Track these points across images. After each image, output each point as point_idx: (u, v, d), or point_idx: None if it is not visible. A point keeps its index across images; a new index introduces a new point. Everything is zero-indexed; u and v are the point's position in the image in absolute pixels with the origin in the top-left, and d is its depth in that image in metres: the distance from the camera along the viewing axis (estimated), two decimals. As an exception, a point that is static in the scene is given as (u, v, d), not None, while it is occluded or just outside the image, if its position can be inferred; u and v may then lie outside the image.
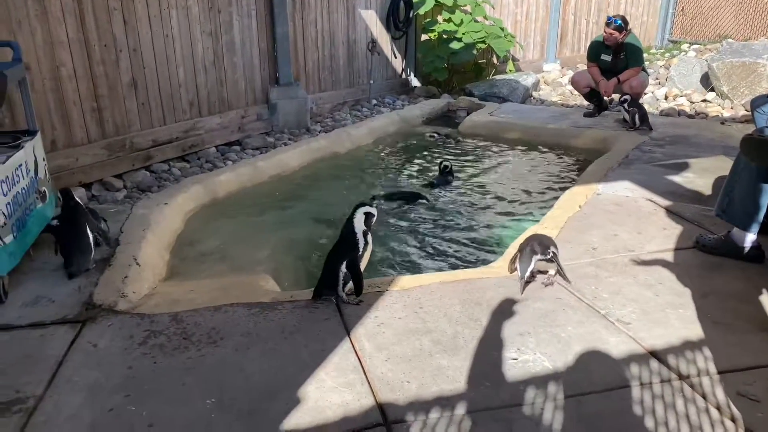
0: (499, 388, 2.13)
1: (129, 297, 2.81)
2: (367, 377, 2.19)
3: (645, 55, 7.41)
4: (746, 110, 7.37)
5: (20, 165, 3.03)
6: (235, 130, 5.89)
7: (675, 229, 3.51)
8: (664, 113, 7.40)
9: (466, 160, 5.76)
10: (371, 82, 7.95)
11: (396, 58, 8.52)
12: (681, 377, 2.19)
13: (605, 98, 6.94)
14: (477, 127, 6.84)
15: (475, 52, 8.58)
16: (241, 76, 5.93)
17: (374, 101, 7.96)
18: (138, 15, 4.75)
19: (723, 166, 4.67)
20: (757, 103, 3.77)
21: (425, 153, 6.04)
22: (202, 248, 3.65)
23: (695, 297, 2.74)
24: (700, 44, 11.03)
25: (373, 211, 2.77)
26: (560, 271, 2.85)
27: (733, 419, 1.98)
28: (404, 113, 7.34)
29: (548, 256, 2.80)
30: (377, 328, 2.51)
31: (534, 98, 8.69)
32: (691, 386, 2.14)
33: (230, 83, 5.81)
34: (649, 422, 1.96)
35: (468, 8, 8.77)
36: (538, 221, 3.80)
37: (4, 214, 2.76)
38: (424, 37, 8.77)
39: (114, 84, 4.65)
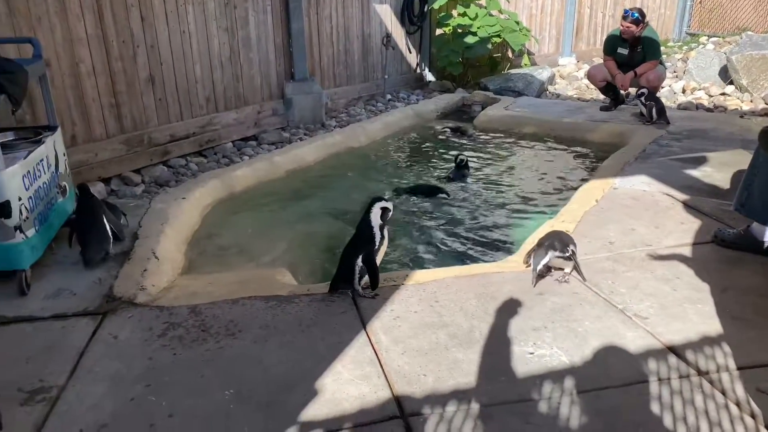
0: (516, 382, 2.14)
1: (148, 290, 2.85)
2: (383, 370, 2.20)
3: (662, 48, 7.32)
4: (766, 103, 7.28)
5: (42, 160, 3.07)
6: (251, 125, 5.92)
7: (693, 224, 3.48)
8: (682, 107, 7.32)
9: (481, 155, 5.74)
10: (386, 76, 7.94)
11: (410, 52, 8.50)
12: (700, 373, 2.18)
13: (622, 92, 6.87)
14: (492, 122, 6.81)
15: (489, 46, 8.54)
16: (257, 71, 5.96)
17: (389, 96, 7.96)
18: (155, 11, 4.79)
19: (742, 160, 4.61)
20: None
21: (440, 148, 6.03)
22: (220, 242, 3.69)
23: (714, 292, 2.72)
24: (719, 37, 10.88)
25: (389, 205, 2.78)
26: (577, 269, 2.84)
27: (752, 415, 1.96)
28: (419, 108, 7.34)
29: (567, 254, 2.79)
30: (393, 322, 2.52)
31: (549, 92, 8.63)
32: (710, 382, 2.13)
33: (246, 79, 5.84)
34: (667, 418, 1.95)
35: (483, 2, 8.73)
36: (554, 216, 3.78)
37: (26, 208, 2.80)
38: (438, 31, 8.74)
39: (132, 80, 4.70)
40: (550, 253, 2.77)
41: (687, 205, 3.76)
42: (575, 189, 4.35)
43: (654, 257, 3.07)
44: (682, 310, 2.58)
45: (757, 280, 2.84)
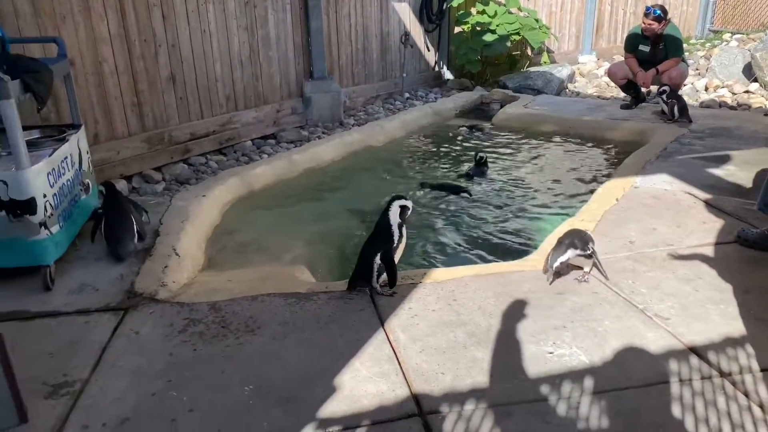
0: (535, 381, 2.13)
1: (169, 286, 2.88)
2: (401, 368, 2.21)
3: (685, 45, 7.23)
4: (791, 102, 7.15)
5: (66, 157, 3.12)
6: (270, 123, 5.96)
7: (715, 223, 3.43)
8: (705, 105, 7.22)
9: (500, 153, 5.71)
10: (404, 75, 7.94)
11: (429, 50, 8.48)
12: (722, 374, 2.15)
13: (643, 90, 6.79)
14: (511, 120, 6.78)
15: (508, 44, 8.49)
16: (276, 70, 5.99)
17: (407, 94, 7.95)
18: (176, 11, 4.84)
19: (766, 158, 4.56)
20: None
21: (458, 146, 6.02)
22: (239, 239, 3.72)
23: (737, 292, 2.68)
24: (743, 34, 10.71)
25: (408, 204, 2.78)
26: (598, 267, 2.81)
27: (776, 417, 1.94)
28: (437, 106, 7.32)
29: (587, 252, 2.77)
30: (411, 320, 2.53)
31: (569, 90, 8.56)
32: (733, 384, 2.10)
33: (265, 77, 5.87)
34: (689, 419, 1.93)
35: (502, 0, 8.68)
36: (573, 214, 3.76)
37: (51, 204, 2.85)
38: (457, 29, 8.71)
39: (153, 79, 4.75)
40: (570, 251, 2.76)
41: (709, 205, 3.71)
42: (595, 188, 4.31)
43: (675, 257, 3.04)
44: (704, 310, 2.55)
45: (781, 280, 2.79)
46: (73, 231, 3.16)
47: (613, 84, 7.50)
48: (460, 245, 3.70)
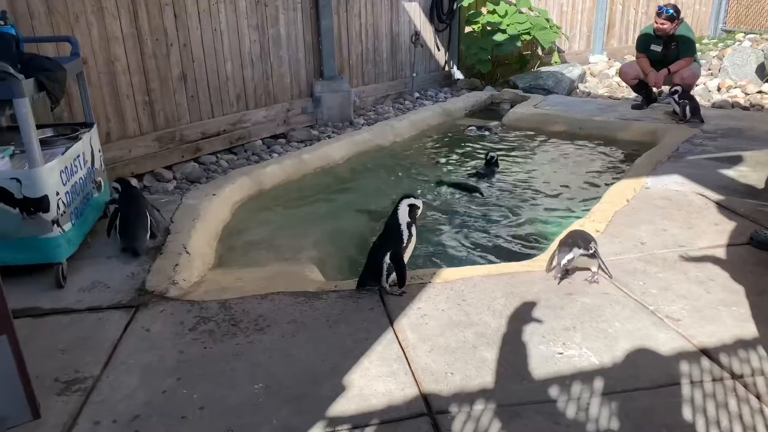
0: (544, 382, 2.12)
1: (179, 284, 2.90)
2: (410, 367, 2.21)
3: (697, 45, 7.17)
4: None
5: (78, 156, 3.15)
6: (280, 123, 5.98)
7: (728, 225, 3.40)
8: (717, 105, 7.16)
9: (510, 153, 5.70)
10: (414, 74, 7.93)
11: (439, 50, 8.48)
12: (734, 376, 2.14)
13: (654, 90, 6.74)
14: (521, 120, 6.75)
15: (519, 43, 8.46)
16: (287, 69, 6.01)
17: (417, 94, 7.95)
18: (188, 10, 4.87)
19: (780, 160, 4.52)
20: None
21: (468, 145, 6.01)
22: (249, 238, 3.73)
23: (749, 294, 2.66)
24: (756, 34, 10.62)
25: (418, 203, 2.78)
26: (602, 266, 2.81)
27: (788, 420, 1.92)
28: (447, 106, 7.31)
29: (590, 251, 2.76)
30: (420, 319, 2.53)
31: (580, 90, 8.52)
32: (745, 386, 2.08)
33: (276, 77, 5.89)
34: (700, 421, 1.92)
35: (513, 0, 8.67)
36: (584, 215, 3.74)
37: (63, 202, 2.88)
38: (467, 29, 8.69)
39: (165, 78, 4.78)
40: (575, 250, 2.75)
41: (721, 206, 3.68)
42: (606, 188, 4.29)
43: (687, 258, 3.02)
44: (715, 312, 2.54)
45: (794, 283, 2.77)
46: (85, 229, 3.19)
47: (624, 84, 7.45)
48: (469, 245, 3.69)
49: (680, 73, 6.26)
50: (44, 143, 2.96)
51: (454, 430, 1.90)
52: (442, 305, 2.63)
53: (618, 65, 8.88)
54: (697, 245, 3.17)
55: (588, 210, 3.86)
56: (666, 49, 6.38)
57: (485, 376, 2.15)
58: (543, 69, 8.79)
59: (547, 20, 8.68)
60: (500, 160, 5.19)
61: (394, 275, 2.70)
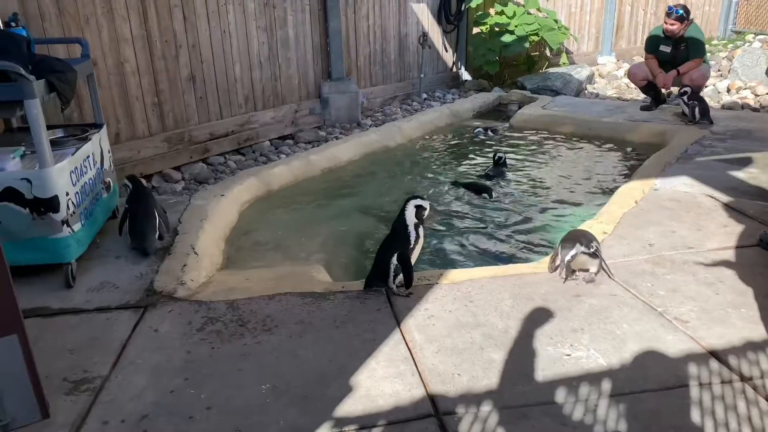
0: (552, 383, 2.12)
1: (187, 285, 2.91)
2: (417, 368, 2.21)
3: (706, 46, 7.13)
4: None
5: (88, 156, 3.17)
6: (288, 124, 6.00)
7: (737, 227, 3.38)
8: (726, 106, 7.12)
9: (518, 154, 5.68)
10: (422, 75, 7.93)
11: (447, 51, 8.47)
12: (743, 378, 2.12)
13: (663, 91, 6.71)
14: (529, 121, 6.74)
15: (527, 45, 8.44)
16: (295, 71, 6.03)
17: (424, 95, 7.95)
18: (197, 12, 4.89)
19: (790, 161, 4.48)
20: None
21: (476, 146, 6.00)
22: (257, 238, 3.75)
23: (758, 296, 2.64)
24: (767, 35, 10.54)
25: (425, 204, 2.78)
26: (603, 266, 2.79)
27: (798, 423, 1.91)
28: (455, 107, 7.31)
29: (592, 250, 2.75)
30: (427, 320, 2.53)
31: (588, 91, 8.50)
32: (754, 388, 2.07)
33: (284, 78, 5.91)
34: (708, 423, 1.91)
35: (521, 0, 8.64)
36: (592, 216, 3.73)
37: (73, 203, 2.90)
38: (475, 30, 8.68)
39: (174, 79, 4.81)
40: (577, 247, 2.74)
41: (731, 208, 3.66)
42: (614, 190, 4.28)
43: (695, 260, 3.00)
44: (724, 314, 2.52)
45: (804, 285, 2.75)
46: (95, 229, 3.21)
47: (633, 85, 7.43)
48: (476, 246, 3.69)
49: (689, 74, 6.23)
50: (54, 144, 2.99)
51: (461, 431, 1.90)
52: (449, 306, 2.63)
53: (627, 66, 8.85)
54: (705, 247, 3.15)
55: (596, 211, 3.85)
56: (675, 50, 6.35)
57: (492, 377, 2.15)
58: (551, 70, 8.76)
59: (556, 21, 8.66)
60: (508, 161, 5.18)
61: (401, 276, 2.70)
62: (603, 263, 2.80)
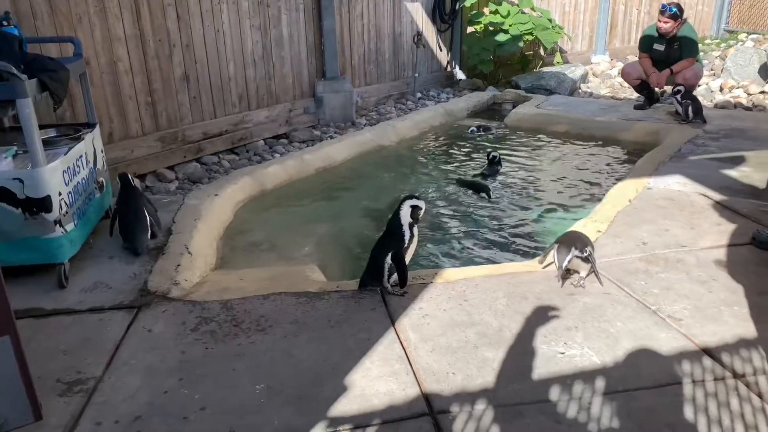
0: (546, 381, 2.12)
1: (181, 285, 2.90)
2: (412, 367, 2.21)
3: (699, 45, 7.16)
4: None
5: (81, 156, 3.16)
6: (282, 123, 5.98)
7: (730, 225, 3.40)
8: (719, 105, 7.15)
9: (512, 153, 5.69)
10: (416, 75, 7.94)
11: (441, 50, 8.48)
12: (736, 375, 2.13)
13: (657, 90, 6.73)
14: (523, 120, 6.75)
15: (521, 44, 8.46)
16: (289, 70, 6.02)
17: (419, 94, 7.95)
18: (191, 10, 4.87)
19: (782, 160, 4.51)
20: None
21: (470, 145, 6.01)
22: (251, 238, 3.74)
23: (751, 294, 2.65)
24: (759, 34, 10.60)
25: (420, 203, 2.77)
26: (594, 271, 2.79)
27: (790, 420, 1.92)
28: (449, 106, 7.31)
29: (585, 254, 2.74)
30: (422, 320, 2.53)
31: (582, 91, 8.52)
32: (747, 385, 2.08)
33: (278, 77, 5.90)
34: (701, 420, 1.92)
35: (515, 0, 8.66)
36: (585, 215, 3.74)
37: (66, 203, 2.88)
38: (470, 29, 8.70)
39: (167, 78, 4.79)
40: (572, 251, 2.73)
41: (724, 206, 3.67)
42: (608, 189, 4.29)
43: (689, 258, 3.01)
44: (717, 312, 2.53)
45: (796, 283, 2.76)
46: (88, 229, 3.19)
47: (626, 84, 7.45)
48: (470, 245, 3.69)
49: (683, 73, 6.26)
50: (47, 143, 2.97)
51: (456, 430, 1.90)
52: (443, 305, 2.63)
53: (620, 65, 8.87)
54: (699, 245, 3.16)
55: (590, 210, 3.86)
56: (668, 49, 6.37)
57: (487, 376, 2.15)
58: (545, 69, 8.78)
59: (550, 20, 8.68)
60: (502, 160, 5.18)
61: (395, 275, 2.70)
62: (594, 268, 2.78)
